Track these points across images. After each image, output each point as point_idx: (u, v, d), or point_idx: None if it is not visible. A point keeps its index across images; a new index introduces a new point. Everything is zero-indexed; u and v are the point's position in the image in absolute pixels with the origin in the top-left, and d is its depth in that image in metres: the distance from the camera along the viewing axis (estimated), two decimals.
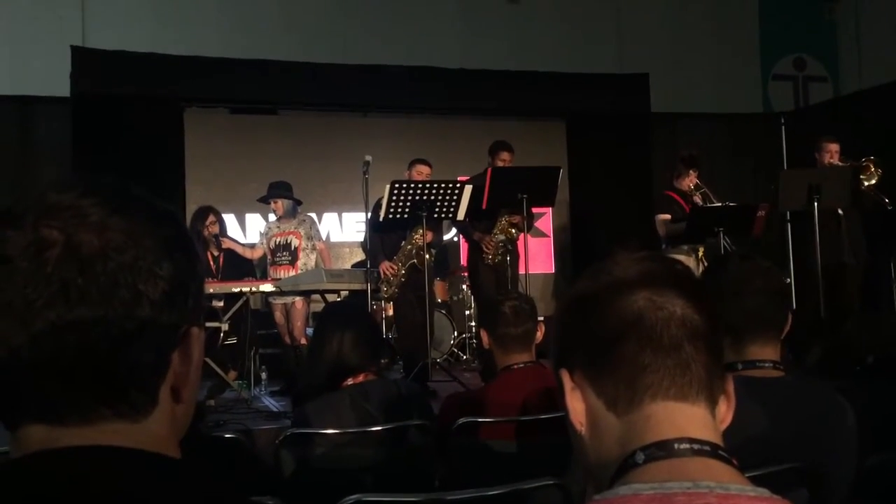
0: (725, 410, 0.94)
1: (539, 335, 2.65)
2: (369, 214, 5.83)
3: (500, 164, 6.06)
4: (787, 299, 1.81)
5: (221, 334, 5.74)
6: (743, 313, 1.73)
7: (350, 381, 2.51)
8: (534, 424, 2.50)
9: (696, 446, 0.86)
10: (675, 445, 0.86)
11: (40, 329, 0.69)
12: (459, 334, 7.77)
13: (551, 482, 1.61)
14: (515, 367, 2.61)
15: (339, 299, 5.71)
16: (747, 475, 1.53)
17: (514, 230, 6.02)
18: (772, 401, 1.71)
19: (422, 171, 5.92)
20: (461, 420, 2.47)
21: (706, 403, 0.91)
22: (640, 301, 0.91)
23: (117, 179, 0.80)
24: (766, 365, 1.74)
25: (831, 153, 6.37)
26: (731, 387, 0.95)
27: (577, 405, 0.93)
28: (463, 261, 7.27)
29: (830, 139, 6.44)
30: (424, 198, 5.37)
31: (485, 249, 5.94)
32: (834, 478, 1.72)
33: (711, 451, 0.87)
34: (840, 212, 6.19)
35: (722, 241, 6.01)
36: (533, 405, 2.52)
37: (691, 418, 0.89)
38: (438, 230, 5.96)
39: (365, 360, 2.53)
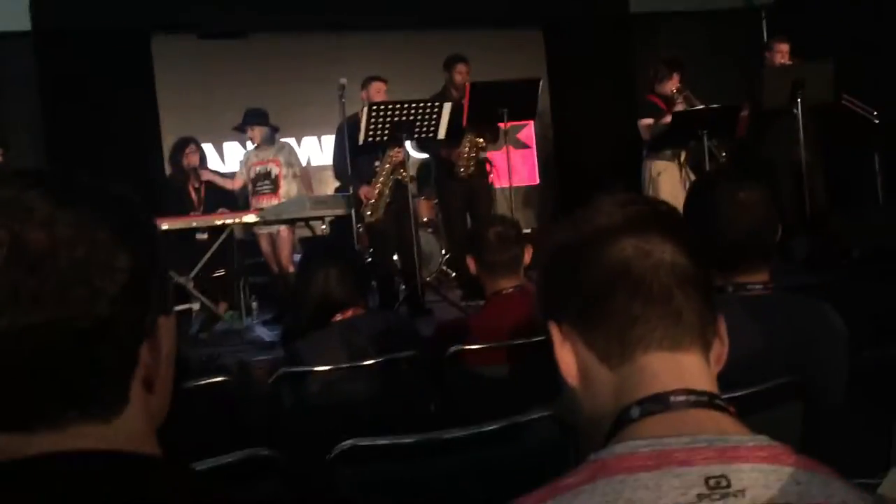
0: (719, 352, 0.92)
1: (527, 258, 2.64)
2: (336, 137, 5.70)
3: (458, 77, 5.94)
4: (776, 218, 1.78)
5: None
6: (732, 241, 1.71)
7: (339, 317, 2.50)
8: (524, 348, 2.51)
9: (692, 398, 0.85)
10: (671, 398, 0.84)
11: None
12: (447, 252, 7.77)
13: (546, 414, 1.61)
14: (504, 292, 2.60)
15: (323, 227, 5.67)
16: (742, 392, 1.54)
17: (480, 145, 5.92)
18: (762, 317, 1.71)
19: (379, 89, 5.78)
20: (452, 348, 2.48)
21: (700, 350, 0.88)
22: (626, 249, 0.88)
23: (60, 167, 0.75)
24: (757, 287, 1.73)
25: (782, 53, 6.35)
26: (723, 328, 0.93)
27: (567, 358, 0.91)
28: None
29: (781, 39, 6.46)
30: (404, 118, 5.28)
31: (457, 162, 5.85)
32: (827, 386, 1.74)
33: (708, 401, 0.85)
34: (795, 110, 6.10)
35: (706, 143, 5.97)
36: (522, 329, 2.53)
37: (686, 368, 0.87)
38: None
39: (352, 296, 2.52)
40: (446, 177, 5.98)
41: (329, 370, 2.40)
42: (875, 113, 6.22)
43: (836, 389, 1.74)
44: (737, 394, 1.50)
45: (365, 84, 5.87)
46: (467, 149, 5.85)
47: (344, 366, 2.42)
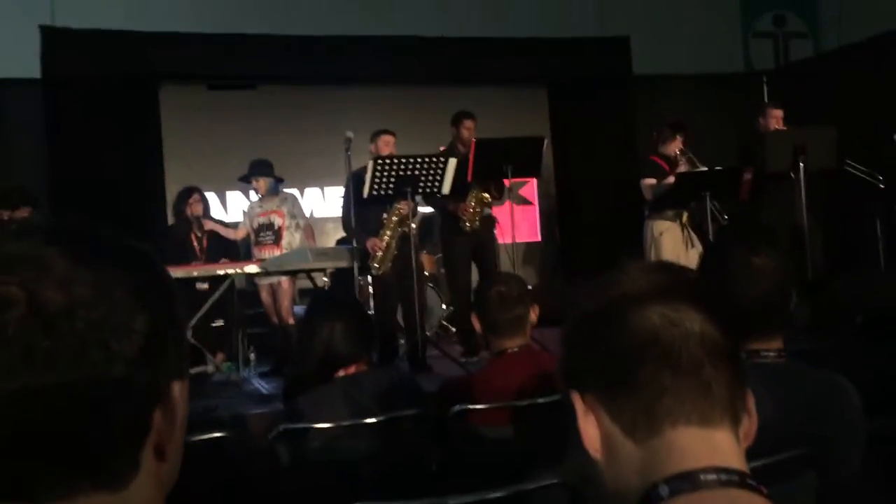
0: (748, 428, 0.89)
1: (533, 317, 2.61)
2: (346, 189, 5.73)
3: (465, 132, 6.01)
4: (790, 285, 1.75)
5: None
6: (746, 307, 1.69)
7: (342, 373, 2.47)
8: (528, 409, 2.47)
9: (723, 476, 0.81)
10: (702, 476, 0.81)
11: (1, 400, 0.62)
12: (448, 306, 7.75)
13: (554, 481, 1.57)
14: (509, 351, 2.57)
15: (324, 279, 5.65)
16: (756, 463, 1.51)
17: (486, 200, 5.94)
18: (775, 386, 1.68)
19: (388, 142, 5.83)
20: (456, 407, 2.44)
21: (730, 426, 0.85)
22: (654, 318, 0.85)
23: (81, 220, 0.72)
24: (770, 354, 1.71)
25: (776, 119, 6.42)
26: (752, 402, 0.90)
27: (591, 431, 0.88)
28: None
29: (775, 105, 6.54)
30: (409, 173, 5.30)
31: (462, 216, 5.87)
32: (842, 458, 1.70)
33: (739, 480, 0.81)
34: (792, 174, 6.13)
35: (708, 205, 5.99)
36: (527, 390, 2.49)
37: (716, 445, 0.84)
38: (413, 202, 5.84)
39: (356, 351, 2.48)
40: (452, 231, 5.99)
41: (331, 427, 2.36)
42: (881, 178, 6.26)
43: (851, 462, 1.71)
44: (750, 465, 1.46)
45: (374, 137, 5.92)
46: (473, 203, 5.87)
47: (346, 423, 2.37)
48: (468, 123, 6.05)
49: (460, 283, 6.02)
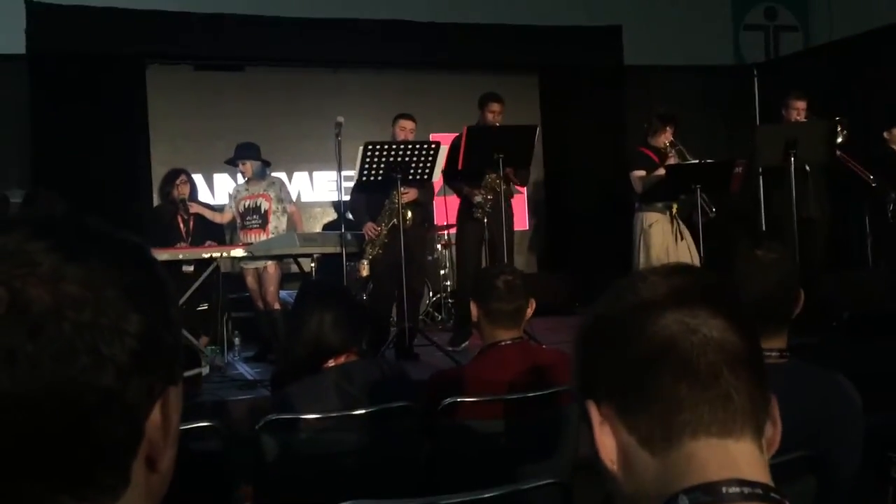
0: (771, 437, 0.85)
1: (529, 312, 2.58)
2: (346, 174, 5.68)
3: (489, 115, 5.90)
4: (796, 284, 1.72)
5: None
6: (748, 303, 1.66)
7: (331, 363, 2.43)
8: (521, 403, 2.44)
9: (746, 489, 0.77)
10: (724, 489, 0.77)
11: None
12: (434, 294, 7.72)
13: (550, 481, 1.54)
14: (503, 343, 2.53)
15: (311, 264, 5.60)
16: None
17: (500, 186, 5.82)
18: (778, 387, 1.65)
19: (405, 127, 5.76)
20: (447, 400, 2.40)
21: (752, 437, 0.81)
22: (671, 325, 0.81)
23: (72, 213, 0.66)
24: (773, 354, 1.68)
25: (798, 110, 6.37)
26: (776, 410, 0.87)
27: (607, 441, 0.84)
28: (443, 219, 7.10)
29: (798, 96, 6.43)
30: (398, 159, 5.24)
31: (474, 203, 5.75)
32: (841, 461, 1.68)
33: (763, 494, 0.77)
34: (807, 167, 6.16)
35: (699, 197, 5.97)
36: (520, 383, 2.46)
37: (738, 456, 0.80)
38: (424, 189, 5.75)
39: (346, 341, 2.44)
40: (466, 216, 5.89)
41: (319, 418, 2.32)
42: (872, 177, 6.24)
43: (850, 464, 1.69)
44: None
45: (395, 121, 5.86)
46: (485, 191, 5.78)
47: (334, 414, 2.34)
48: (494, 107, 5.93)
49: (469, 269, 5.89)
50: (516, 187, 6.10)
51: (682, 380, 0.80)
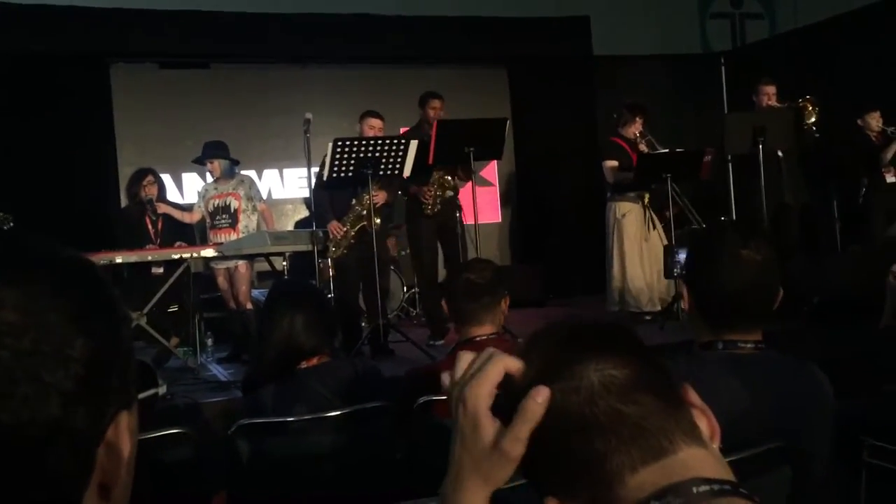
0: (706, 424, 0.83)
1: (504, 307, 2.56)
2: (316, 171, 5.64)
3: (431, 112, 5.91)
4: (777, 283, 1.71)
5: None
6: (729, 297, 1.65)
7: (304, 365, 2.39)
8: None
9: (715, 486, 0.74)
10: (693, 489, 0.74)
11: None
12: (409, 289, 7.69)
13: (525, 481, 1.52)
14: (477, 339, 2.51)
15: (283, 262, 5.55)
16: (731, 458, 1.48)
17: (449, 183, 5.88)
18: (751, 377, 1.66)
19: (373, 125, 5.70)
20: (422, 399, 2.38)
21: (689, 442, 0.78)
22: (555, 396, 0.79)
23: (13, 233, 0.64)
24: (748, 345, 1.68)
25: (769, 95, 6.42)
26: (692, 395, 0.84)
27: None
28: None
29: (767, 81, 6.49)
30: (369, 155, 5.21)
31: (423, 200, 5.79)
32: (815, 450, 1.68)
33: (732, 489, 0.75)
34: (779, 153, 6.22)
35: (670, 186, 6.01)
36: None
37: (689, 462, 0.77)
38: (391, 189, 5.76)
39: (319, 342, 2.41)
40: (416, 214, 5.90)
41: (292, 421, 2.29)
42: (817, 135, 6.27)
43: (823, 451, 1.69)
44: (725, 459, 1.43)
45: (362, 118, 5.80)
46: (435, 187, 5.80)
47: (308, 417, 2.31)
48: (435, 103, 5.96)
49: (426, 267, 5.96)
50: (460, 181, 6.09)
51: (591, 438, 0.78)
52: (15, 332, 0.57)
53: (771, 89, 6.43)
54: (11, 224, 5.35)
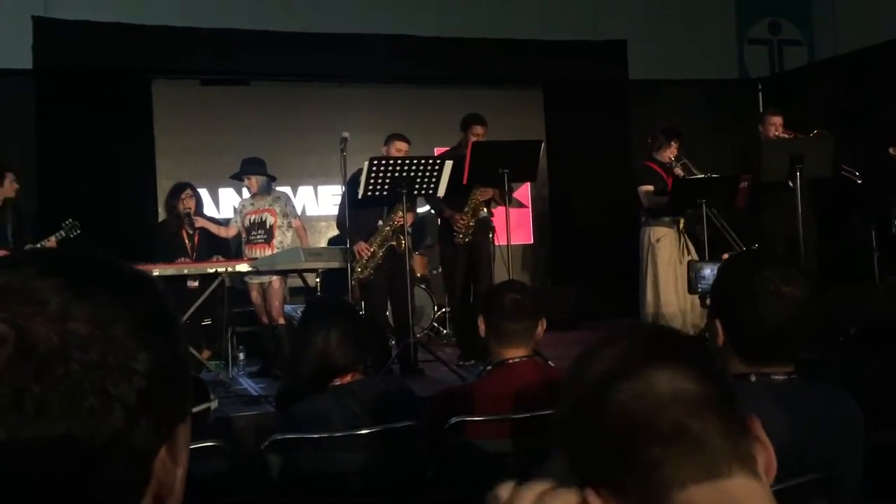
0: (765, 458, 0.83)
1: (540, 331, 2.55)
2: (344, 189, 5.69)
3: (473, 138, 5.86)
4: (816, 312, 1.68)
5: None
6: (767, 333, 1.63)
7: (337, 382, 2.41)
8: (529, 422, 2.41)
9: None
10: None
11: None
12: (439, 308, 7.70)
13: None
14: (511, 360, 2.51)
15: (316, 279, 5.59)
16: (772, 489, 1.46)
17: (484, 209, 5.87)
18: (786, 407, 1.64)
19: (400, 148, 5.70)
20: (454, 419, 2.38)
21: (742, 468, 0.79)
22: (621, 398, 0.81)
23: (80, 249, 0.66)
24: (781, 377, 1.66)
25: (776, 126, 6.39)
26: (758, 428, 0.84)
27: None
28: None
29: (774, 112, 6.51)
30: (404, 174, 5.24)
31: (455, 228, 5.79)
32: (845, 478, 1.66)
33: None
34: (790, 183, 6.12)
35: (705, 212, 5.96)
36: (528, 402, 2.44)
37: (734, 492, 0.78)
38: (414, 210, 5.78)
39: (352, 359, 2.43)
40: (449, 238, 5.89)
41: (324, 438, 2.30)
42: (857, 173, 6.21)
43: (853, 480, 1.67)
44: None
45: (387, 140, 5.78)
46: (469, 215, 5.76)
47: (339, 434, 2.32)
48: (478, 130, 5.88)
49: (457, 289, 5.94)
50: (495, 203, 6.03)
51: (650, 444, 0.79)
52: (84, 344, 0.58)
53: (778, 119, 6.41)
54: (78, 231, 5.47)
